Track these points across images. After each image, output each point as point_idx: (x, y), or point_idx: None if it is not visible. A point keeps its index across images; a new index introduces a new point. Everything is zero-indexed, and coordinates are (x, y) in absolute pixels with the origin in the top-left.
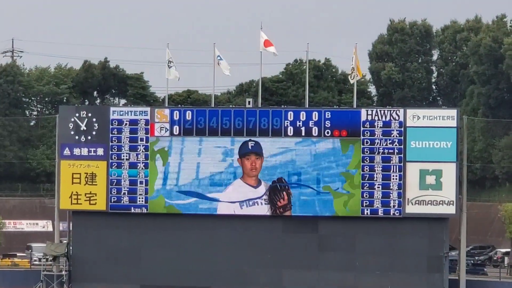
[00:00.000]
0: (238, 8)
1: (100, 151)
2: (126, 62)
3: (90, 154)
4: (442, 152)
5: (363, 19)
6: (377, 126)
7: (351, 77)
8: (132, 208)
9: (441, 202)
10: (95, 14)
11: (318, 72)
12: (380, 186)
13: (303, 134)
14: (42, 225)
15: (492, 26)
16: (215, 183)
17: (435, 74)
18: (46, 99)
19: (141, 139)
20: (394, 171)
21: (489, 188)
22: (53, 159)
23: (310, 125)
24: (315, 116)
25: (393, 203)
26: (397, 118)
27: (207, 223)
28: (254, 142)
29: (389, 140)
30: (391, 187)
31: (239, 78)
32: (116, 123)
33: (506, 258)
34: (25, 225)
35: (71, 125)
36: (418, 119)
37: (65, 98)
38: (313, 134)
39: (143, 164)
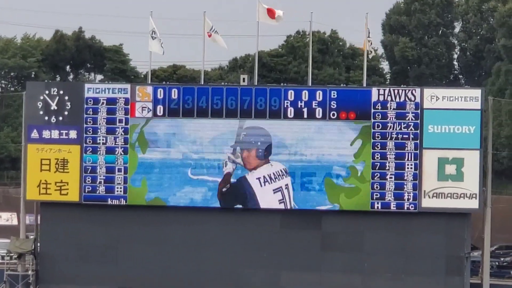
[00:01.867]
0: None
1: (73, 134)
2: (103, 33)
3: (61, 137)
4: (464, 138)
5: None
6: (390, 108)
7: (369, 52)
8: (109, 199)
9: (462, 195)
10: None
11: (323, 45)
12: (393, 177)
13: (305, 116)
14: (6, 218)
15: None
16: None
17: (457, 49)
18: (12, 74)
19: (120, 121)
20: (409, 159)
21: None
22: (19, 142)
23: (313, 106)
24: (319, 95)
25: (408, 196)
26: (412, 98)
27: (196, 216)
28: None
29: (404, 124)
30: (406, 178)
31: (232, 51)
32: (92, 102)
33: None
34: None
35: (40, 104)
36: (436, 100)
37: (33, 73)
38: (317, 116)
39: (122, 149)
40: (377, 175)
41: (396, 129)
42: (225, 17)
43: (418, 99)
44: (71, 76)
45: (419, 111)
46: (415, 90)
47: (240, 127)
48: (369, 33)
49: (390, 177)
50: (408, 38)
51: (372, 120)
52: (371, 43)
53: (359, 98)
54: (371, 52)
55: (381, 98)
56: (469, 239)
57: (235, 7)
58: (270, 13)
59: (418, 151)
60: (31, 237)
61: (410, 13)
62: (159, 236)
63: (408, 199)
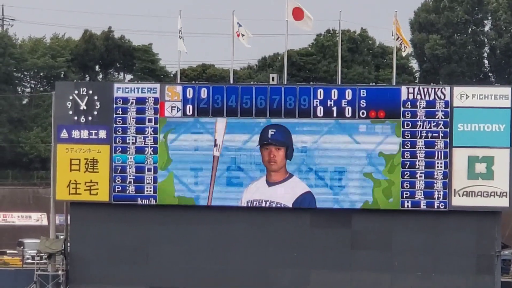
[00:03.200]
0: None
1: (102, 134)
2: (133, 32)
3: (90, 137)
4: (494, 136)
5: None
6: (420, 106)
7: (402, 50)
8: (139, 199)
9: (492, 194)
10: None
11: (352, 44)
12: (423, 175)
13: (334, 115)
14: (36, 218)
15: None
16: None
17: (486, 47)
18: (41, 74)
19: (150, 120)
20: (439, 157)
21: None
22: (48, 142)
23: (343, 105)
24: (348, 94)
25: (438, 194)
26: (442, 97)
27: (225, 216)
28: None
29: (433, 122)
30: (436, 176)
31: (261, 50)
32: (121, 101)
33: None
34: (16, 218)
35: (69, 103)
36: (466, 98)
37: (62, 73)
38: (346, 115)
39: (152, 148)
40: (407, 173)
41: (425, 128)
42: (254, 16)
43: (447, 98)
44: (100, 76)
45: (448, 109)
46: (444, 88)
47: (268, 126)
48: (398, 29)
49: (420, 176)
50: (439, 36)
51: (402, 119)
52: (401, 42)
53: (389, 97)
54: (404, 50)
55: (411, 96)
56: (500, 237)
57: (265, 6)
58: (297, 13)
59: (448, 150)
60: (61, 237)
61: (439, 11)
62: (188, 236)
63: (438, 198)
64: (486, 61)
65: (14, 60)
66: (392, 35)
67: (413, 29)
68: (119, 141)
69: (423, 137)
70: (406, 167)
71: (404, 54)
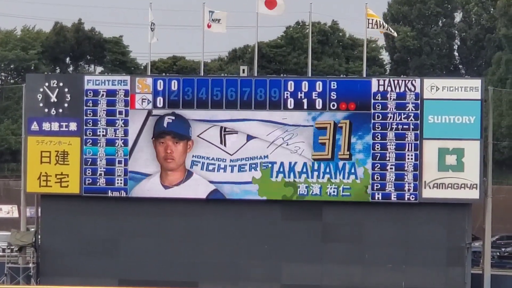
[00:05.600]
0: None
1: (73, 126)
2: (103, 24)
3: (61, 129)
4: (464, 128)
5: None
6: (390, 98)
7: (392, 32)
8: (110, 191)
9: (463, 186)
10: None
11: (323, 36)
12: (393, 167)
13: (305, 107)
14: (6, 211)
15: None
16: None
17: (457, 40)
18: (12, 66)
19: (120, 112)
20: (409, 149)
21: None
22: (19, 135)
23: (313, 97)
24: (319, 86)
25: (408, 186)
26: (412, 89)
27: (196, 208)
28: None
29: (404, 115)
30: (406, 168)
31: (232, 43)
32: (91, 94)
33: None
34: None
35: (40, 96)
36: (436, 90)
37: (33, 65)
38: (317, 107)
39: (122, 141)
40: (377, 166)
41: (396, 120)
42: (224, 8)
43: (418, 90)
44: (71, 68)
45: (419, 101)
46: (415, 80)
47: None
48: (372, 22)
49: (391, 168)
50: (410, 28)
51: (372, 111)
52: (387, 28)
53: (359, 89)
54: (386, 28)
55: (381, 88)
56: (470, 229)
57: None
58: (269, 3)
59: (418, 142)
60: (32, 229)
61: (411, 3)
62: (160, 228)
63: (409, 190)
64: (456, 53)
65: None
66: (370, 26)
67: (386, 21)
68: (89, 134)
69: (394, 129)
70: (377, 159)
71: (382, 32)
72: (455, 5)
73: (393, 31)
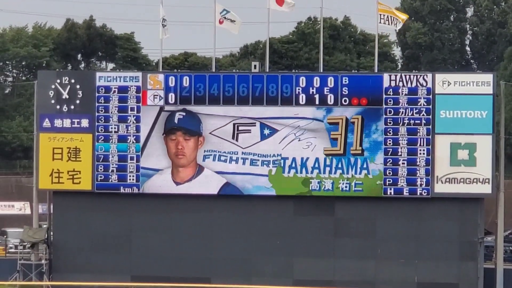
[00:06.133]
0: None
1: (85, 123)
2: (115, 21)
3: (73, 126)
4: (476, 123)
5: None
6: (402, 93)
7: (399, 21)
8: (122, 187)
9: (475, 180)
10: None
11: (334, 31)
12: (405, 162)
13: (317, 102)
14: (19, 207)
15: None
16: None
17: (469, 35)
18: (23, 63)
19: (132, 109)
20: (421, 144)
21: None
22: (31, 131)
23: (325, 92)
24: (330, 82)
25: (420, 181)
26: (424, 84)
27: (208, 204)
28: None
29: (416, 109)
30: (418, 163)
31: (243, 38)
32: (103, 90)
33: None
34: None
35: (51, 92)
36: (448, 85)
37: (45, 62)
38: (329, 102)
39: (134, 137)
40: (389, 161)
41: (408, 115)
42: (235, 3)
43: (430, 85)
44: (83, 65)
45: (431, 96)
46: (426, 75)
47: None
48: (384, 17)
49: (403, 163)
50: (422, 24)
51: (384, 106)
52: (390, 18)
53: (371, 84)
54: (396, 24)
55: (393, 83)
56: (483, 224)
57: None
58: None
59: (430, 137)
60: (44, 226)
61: None
62: (172, 224)
63: (421, 185)
64: (468, 48)
65: None
66: (382, 21)
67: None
68: (101, 130)
69: (405, 124)
70: (389, 154)
71: (396, 28)
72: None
73: (401, 16)
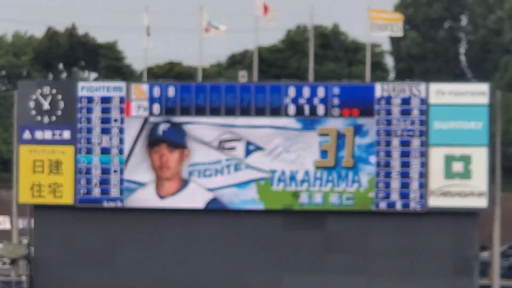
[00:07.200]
0: None
1: (67, 134)
2: (97, 29)
3: (54, 137)
4: (471, 134)
5: None
6: (395, 104)
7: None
8: (105, 201)
9: (470, 194)
10: None
11: (324, 40)
12: (398, 175)
13: (306, 113)
14: None
15: None
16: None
17: (463, 43)
18: (3, 72)
19: (115, 120)
20: (415, 157)
21: None
22: (11, 143)
23: (315, 103)
24: (321, 92)
25: (414, 194)
26: (418, 94)
27: (193, 219)
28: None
29: (409, 120)
30: (411, 176)
31: (230, 47)
32: (86, 101)
33: None
34: None
35: (32, 103)
36: (443, 95)
37: (25, 71)
38: (319, 113)
39: (118, 149)
40: (381, 173)
41: (401, 126)
42: (222, 11)
43: (423, 95)
44: (64, 75)
45: (425, 107)
46: (420, 85)
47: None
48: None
49: (396, 176)
50: (416, 34)
51: (376, 117)
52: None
53: (363, 94)
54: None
55: (385, 93)
56: (478, 239)
57: (233, 1)
58: (264, 8)
59: (424, 148)
60: (25, 241)
61: (417, 7)
62: (157, 239)
63: (414, 198)
64: (463, 58)
65: None
66: (374, 29)
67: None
68: (83, 142)
69: (398, 135)
70: (381, 166)
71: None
72: (461, 8)
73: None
